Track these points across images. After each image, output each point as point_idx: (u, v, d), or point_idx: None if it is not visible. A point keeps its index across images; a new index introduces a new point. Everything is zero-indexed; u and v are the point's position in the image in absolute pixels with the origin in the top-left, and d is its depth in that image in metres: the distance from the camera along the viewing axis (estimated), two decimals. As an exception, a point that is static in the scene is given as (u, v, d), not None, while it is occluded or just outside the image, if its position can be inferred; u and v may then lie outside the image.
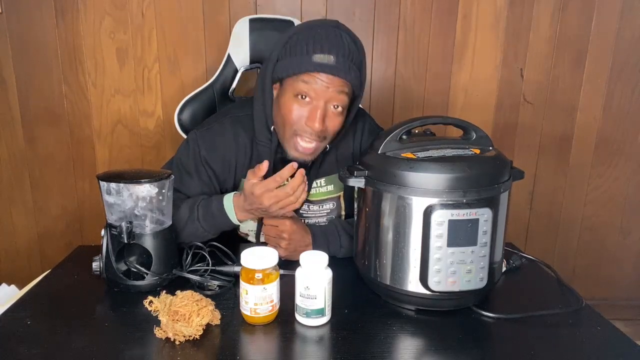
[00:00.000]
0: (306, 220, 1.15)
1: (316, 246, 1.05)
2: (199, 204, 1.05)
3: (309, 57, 0.98)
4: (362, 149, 1.19)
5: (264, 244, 1.12)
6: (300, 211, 1.15)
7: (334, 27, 1.01)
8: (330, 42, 0.99)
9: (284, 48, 1.02)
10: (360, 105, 1.37)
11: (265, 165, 0.99)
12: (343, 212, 1.19)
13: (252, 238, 1.18)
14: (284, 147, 1.07)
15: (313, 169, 1.13)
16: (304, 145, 1.02)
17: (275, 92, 1.06)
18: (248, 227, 1.17)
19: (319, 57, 0.97)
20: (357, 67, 1.02)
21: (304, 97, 0.99)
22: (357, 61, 1.02)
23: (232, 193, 1.05)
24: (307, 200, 1.14)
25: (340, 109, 1.02)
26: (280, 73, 1.02)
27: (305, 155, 1.04)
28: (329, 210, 1.18)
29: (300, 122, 1.00)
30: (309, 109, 0.99)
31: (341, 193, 1.18)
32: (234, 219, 1.04)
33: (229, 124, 1.13)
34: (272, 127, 1.07)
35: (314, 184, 1.15)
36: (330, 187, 1.17)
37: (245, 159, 1.12)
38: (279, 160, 1.09)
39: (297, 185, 0.98)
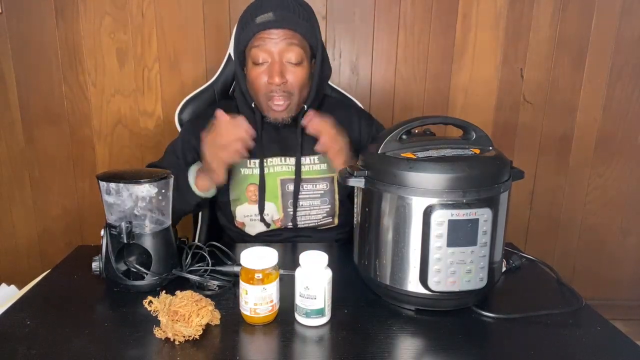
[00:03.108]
0: (300, 202, 1.17)
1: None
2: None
3: (253, 23, 1.06)
4: (361, 134, 1.24)
5: (264, 241, 1.13)
6: (293, 192, 1.17)
7: None
8: (270, 2, 1.07)
9: (238, 26, 1.12)
10: (359, 103, 1.39)
11: (219, 114, 1.04)
12: (337, 196, 1.20)
13: (249, 227, 1.19)
14: (264, 114, 1.14)
15: (305, 145, 1.17)
16: (276, 103, 1.10)
17: (245, 73, 1.14)
18: (244, 213, 1.18)
19: (259, 19, 1.06)
20: (305, 19, 1.08)
21: (261, 61, 1.07)
22: (303, 15, 1.09)
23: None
24: (300, 180, 1.16)
25: (296, 61, 1.08)
26: (239, 47, 1.11)
27: (281, 112, 1.11)
28: (322, 192, 1.19)
29: (266, 84, 1.08)
30: (268, 68, 1.07)
31: (335, 174, 1.19)
32: (192, 179, 1.09)
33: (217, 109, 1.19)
34: (253, 104, 1.14)
35: (308, 161, 1.18)
36: (324, 166, 1.18)
37: None
38: (266, 134, 1.16)
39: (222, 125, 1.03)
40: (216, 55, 1.71)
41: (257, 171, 1.16)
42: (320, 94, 1.20)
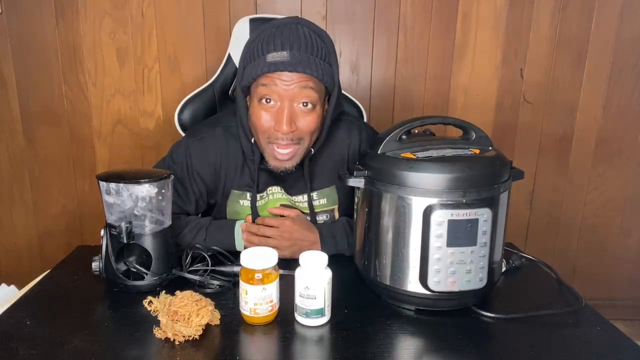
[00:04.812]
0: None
1: (324, 244, 1.03)
2: (209, 227, 1.06)
3: (263, 59, 0.93)
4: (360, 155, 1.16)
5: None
6: None
7: (291, 23, 0.97)
8: (284, 38, 0.94)
9: (245, 55, 0.99)
10: (361, 107, 1.38)
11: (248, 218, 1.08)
12: None
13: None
14: (264, 157, 1.04)
15: (313, 181, 1.11)
16: (280, 151, 0.99)
17: (248, 103, 1.04)
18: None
19: (272, 56, 0.93)
20: (323, 59, 0.96)
21: (267, 100, 0.95)
22: (322, 53, 0.96)
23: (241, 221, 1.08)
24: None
25: (310, 106, 0.96)
26: (244, 82, 0.99)
27: (285, 162, 1.00)
28: (322, 222, 1.14)
29: (270, 128, 0.97)
30: (275, 112, 0.95)
31: (335, 206, 1.14)
32: (239, 244, 1.05)
33: (220, 133, 1.10)
34: (253, 140, 1.04)
35: (307, 197, 1.12)
36: (323, 201, 1.13)
37: (235, 170, 1.10)
38: (265, 172, 1.09)
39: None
40: (216, 55, 1.71)
41: (258, 203, 1.12)
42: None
